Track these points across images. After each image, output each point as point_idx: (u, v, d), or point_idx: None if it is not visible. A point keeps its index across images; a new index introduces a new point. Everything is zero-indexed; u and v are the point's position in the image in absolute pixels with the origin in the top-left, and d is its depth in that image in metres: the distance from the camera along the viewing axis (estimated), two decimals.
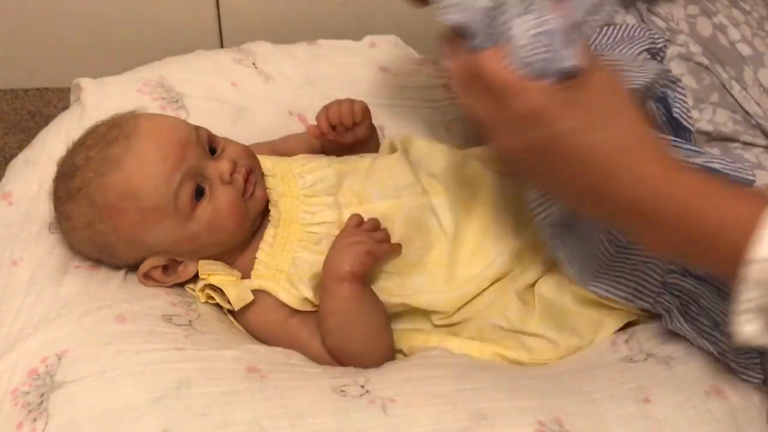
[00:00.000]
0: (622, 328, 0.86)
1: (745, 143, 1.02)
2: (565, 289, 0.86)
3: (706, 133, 1.03)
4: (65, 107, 1.07)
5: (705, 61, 1.04)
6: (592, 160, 0.64)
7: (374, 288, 0.84)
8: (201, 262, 0.86)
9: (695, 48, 1.04)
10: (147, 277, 0.85)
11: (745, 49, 1.03)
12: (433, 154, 0.94)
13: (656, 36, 0.93)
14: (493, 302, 0.86)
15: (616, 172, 0.64)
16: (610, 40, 0.93)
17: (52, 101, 1.43)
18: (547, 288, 0.86)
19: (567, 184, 0.67)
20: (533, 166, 0.67)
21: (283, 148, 0.96)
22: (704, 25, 1.04)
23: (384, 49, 1.14)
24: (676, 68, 1.03)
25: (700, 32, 1.04)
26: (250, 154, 0.88)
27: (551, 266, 0.88)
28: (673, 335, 0.84)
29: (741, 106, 1.03)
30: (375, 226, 0.85)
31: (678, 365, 0.80)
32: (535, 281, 0.87)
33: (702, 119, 1.02)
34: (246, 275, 0.86)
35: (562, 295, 0.86)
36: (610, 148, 0.64)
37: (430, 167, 0.93)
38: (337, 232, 0.84)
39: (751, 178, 0.76)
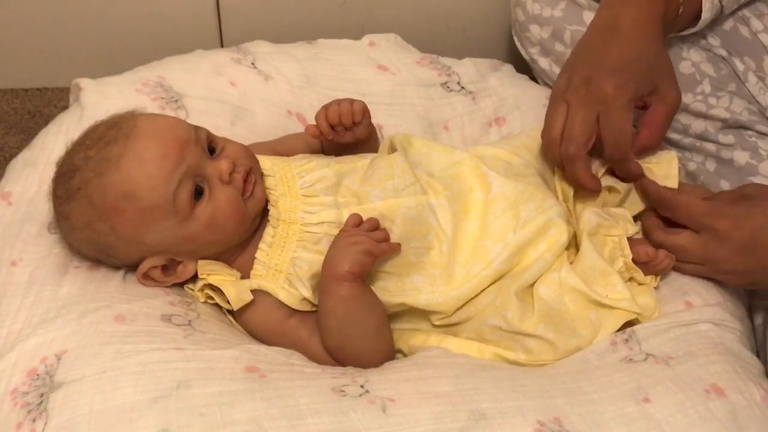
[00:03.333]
0: (622, 328, 0.86)
1: (760, 133, 1.02)
2: (564, 290, 0.86)
3: (723, 120, 1.03)
4: (65, 107, 1.07)
5: (723, 53, 1.05)
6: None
7: (373, 288, 0.84)
8: (200, 262, 0.86)
9: (714, 40, 1.05)
10: (146, 277, 0.85)
11: (767, 39, 1.03)
12: (433, 153, 0.94)
13: None
14: (492, 302, 0.85)
15: None
16: None
17: (52, 101, 1.43)
18: (546, 288, 0.86)
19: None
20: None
21: (282, 147, 0.96)
22: (725, 17, 1.05)
23: (383, 47, 1.14)
24: (695, 56, 1.04)
25: (721, 25, 1.05)
26: (249, 154, 0.88)
27: (550, 266, 0.88)
28: (673, 335, 0.84)
29: (755, 99, 1.03)
30: (374, 225, 0.85)
31: (677, 365, 0.80)
32: (535, 281, 0.87)
33: (719, 106, 1.03)
34: (245, 275, 0.86)
35: (561, 296, 0.86)
36: None
37: (430, 167, 0.93)
38: (336, 231, 0.84)
39: None
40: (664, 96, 0.93)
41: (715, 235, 0.86)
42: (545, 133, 0.93)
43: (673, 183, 0.95)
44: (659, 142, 0.96)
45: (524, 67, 1.19)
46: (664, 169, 0.97)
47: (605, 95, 0.89)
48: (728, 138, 1.03)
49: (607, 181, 0.95)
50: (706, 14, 0.99)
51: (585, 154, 0.90)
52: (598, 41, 0.94)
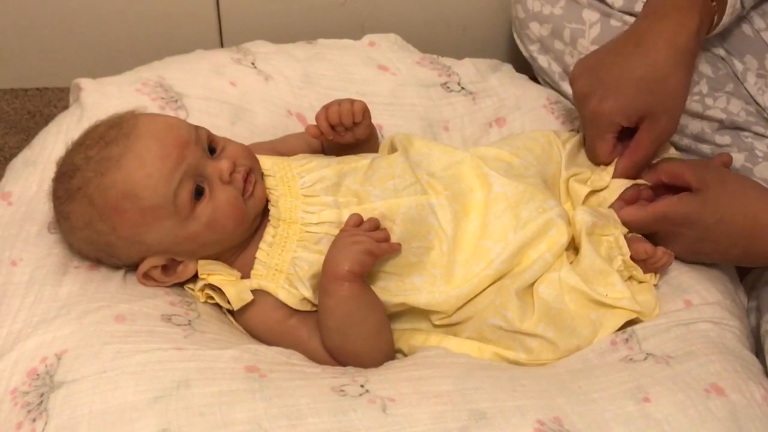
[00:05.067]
0: (622, 328, 0.86)
1: (756, 134, 1.02)
2: (564, 289, 0.86)
3: (719, 121, 1.03)
4: (65, 107, 1.07)
5: (722, 52, 1.05)
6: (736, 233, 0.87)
7: (374, 287, 0.84)
8: (200, 261, 0.86)
9: (713, 39, 1.05)
10: (146, 277, 0.85)
11: None
12: (433, 153, 0.94)
13: None
14: (492, 302, 0.85)
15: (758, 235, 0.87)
16: None
17: (52, 101, 1.43)
18: (546, 288, 0.86)
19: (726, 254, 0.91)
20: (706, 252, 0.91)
21: (282, 147, 0.96)
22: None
23: (383, 48, 1.14)
24: None
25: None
26: (249, 153, 0.88)
27: (550, 266, 0.88)
28: (672, 335, 0.84)
29: (753, 99, 1.03)
30: (374, 225, 0.85)
31: (677, 364, 0.80)
32: (535, 281, 0.87)
33: (715, 107, 1.03)
34: (245, 275, 0.86)
35: (561, 295, 0.86)
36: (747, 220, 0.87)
37: (430, 167, 0.93)
38: (336, 231, 0.84)
39: None
40: (655, 122, 0.92)
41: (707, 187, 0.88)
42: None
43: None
44: (640, 167, 0.95)
45: (524, 67, 1.19)
46: None
47: (597, 112, 0.92)
48: (725, 139, 1.03)
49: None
50: (726, 18, 0.98)
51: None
52: (620, 49, 0.93)
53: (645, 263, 0.90)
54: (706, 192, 0.88)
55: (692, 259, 0.93)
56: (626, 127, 0.94)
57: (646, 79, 0.90)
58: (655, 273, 0.91)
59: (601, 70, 0.93)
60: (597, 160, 0.97)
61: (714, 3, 0.94)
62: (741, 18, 1.05)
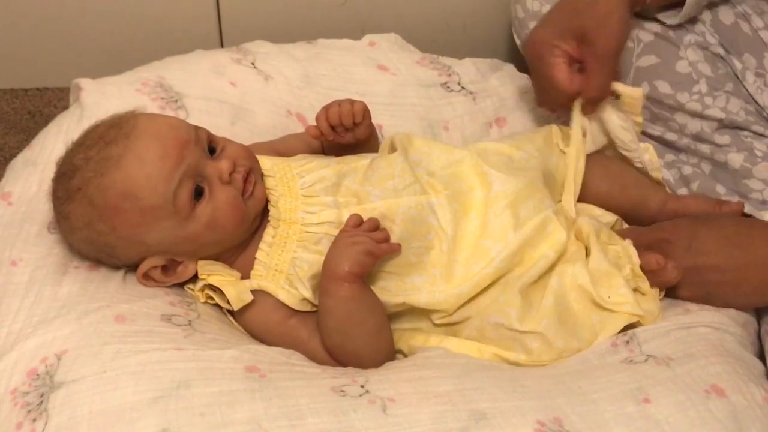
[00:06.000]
0: (622, 331, 0.86)
1: (756, 133, 1.02)
2: (571, 287, 0.86)
3: (718, 120, 1.03)
4: (65, 107, 1.07)
5: (721, 51, 1.05)
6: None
7: (374, 288, 0.84)
8: (200, 262, 0.86)
9: (712, 39, 1.05)
10: (146, 277, 0.85)
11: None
12: (433, 153, 0.94)
13: None
14: (495, 300, 0.86)
15: None
16: None
17: (52, 101, 1.43)
18: (558, 281, 0.86)
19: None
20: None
21: (282, 148, 0.96)
22: (726, 14, 1.05)
23: (383, 47, 1.14)
24: (693, 55, 1.04)
25: (722, 20, 1.05)
26: (249, 154, 0.88)
27: (553, 264, 0.87)
28: (673, 337, 0.84)
29: (753, 98, 1.03)
30: (374, 225, 0.85)
31: (678, 366, 0.80)
32: (538, 279, 0.87)
33: (715, 106, 1.03)
34: (245, 275, 0.86)
35: (567, 293, 0.86)
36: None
37: (430, 166, 0.93)
38: (336, 232, 0.84)
39: None
40: (593, 42, 0.93)
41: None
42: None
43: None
44: (601, 88, 0.96)
45: (525, 66, 1.19)
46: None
47: (535, 48, 0.97)
48: (724, 138, 1.03)
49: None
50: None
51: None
52: (553, 7, 0.99)
53: (654, 275, 0.90)
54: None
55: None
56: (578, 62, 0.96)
57: (576, 3, 0.94)
58: (661, 289, 0.91)
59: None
60: (561, 91, 0.96)
61: None
62: (739, 15, 1.05)
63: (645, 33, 1.06)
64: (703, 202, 0.99)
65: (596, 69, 0.94)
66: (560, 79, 0.96)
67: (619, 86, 0.96)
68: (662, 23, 1.05)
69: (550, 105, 1.03)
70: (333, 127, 0.90)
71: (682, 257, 0.89)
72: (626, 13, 0.94)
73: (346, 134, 0.92)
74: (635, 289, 0.89)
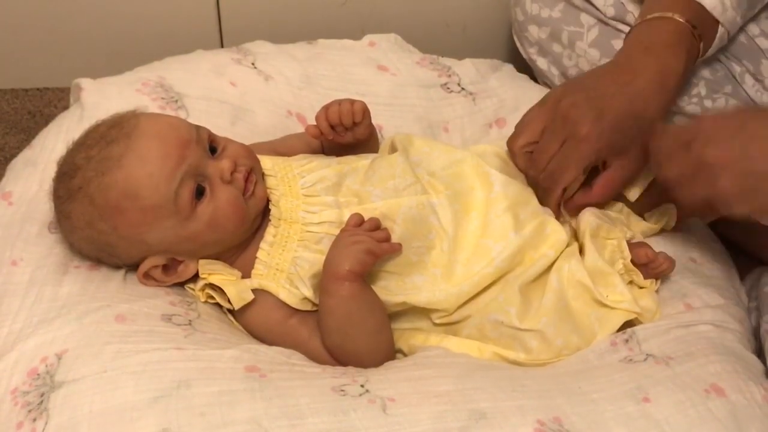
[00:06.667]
0: (622, 329, 0.86)
1: None
2: (569, 283, 0.86)
3: None
4: (65, 107, 1.07)
5: (719, 55, 1.04)
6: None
7: (374, 287, 0.84)
8: (201, 261, 0.86)
9: None
10: (147, 277, 0.85)
11: (764, 43, 1.03)
12: (433, 153, 0.94)
13: None
14: (494, 299, 0.86)
15: None
16: None
17: (52, 101, 1.43)
18: (555, 277, 0.86)
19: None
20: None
21: (282, 148, 0.96)
22: None
23: (383, 48, 1.14)
24: None
25: None
26: (250, 153, 0.88)
27: (552, 264, 0.88)
28: (673, 336, 0.84)
29: (753, 100, 1.03)
30: (375, 225, 0.85)
31: (677, 365, 0.80)
32: (538, 278, 0.87)
33: (714, 108, 1.03)
34: (246, 275, 0.86)
35: (566, 290, 0.86)
36: None
37: (430, 166, 0.93)
38: (337, 231, 0.84)
39: None
40: (629, 162, 0.90)
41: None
42: (512, 140, 0.93)
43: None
44: (605, 202, 0.93)
45: (525, 67, 1.19)
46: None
47: (576, 133, 0.88)
48: None
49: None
50: (711, 51, 0.97)
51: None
52: (609, 80, 0.90)
53: (646, 268, 0.90)
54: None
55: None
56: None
57: (630, 117, 0.88)
58: (656, 279, 0.91)
59: (585, 94, 0.89)
60: (554, 190, 0.91)
61: (700, 42, 0.93)
62: None
63: None
64: None
65: (616, 185, 0.89)
66: (567, 181, 0.89)
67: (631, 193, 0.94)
68: None
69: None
70: (333, 127, 0.91)
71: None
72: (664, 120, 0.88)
73: (345, 134, 0.92)
74: (631, 282, 0.90)
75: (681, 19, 0.91)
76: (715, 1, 0.92)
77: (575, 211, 0.93)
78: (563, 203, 0.93)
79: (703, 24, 0.93)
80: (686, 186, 0.80)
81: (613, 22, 1.06)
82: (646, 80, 0.89)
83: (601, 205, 0.94)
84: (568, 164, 0.89)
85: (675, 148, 0.80)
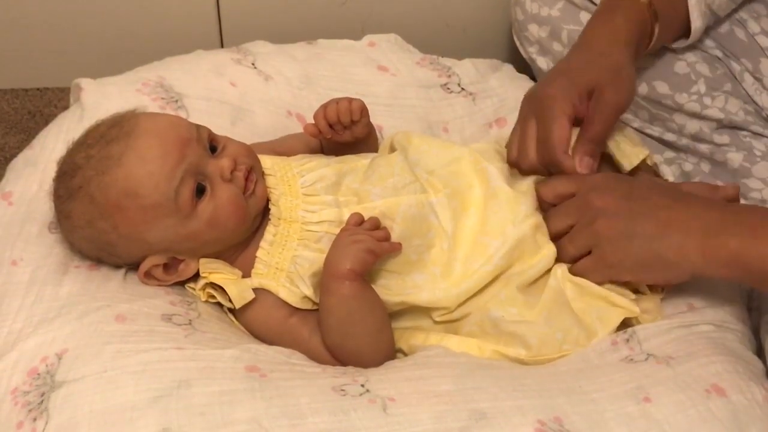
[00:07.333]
0: (623, 328, 0.86)
1: (755, 133, 1.03)
2: (567, 283, 0.86)
3: (717, 120, 1.03)
4: (65, 107, 1.07)
5: (719, 53, 1.05)
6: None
7: (374, 286, 0.84)
8: (202, 260, 0.86)
9: (709, 42, 1.05)
10: (148, 276, 0.85)
11: (764, 41, 1.03)
12: (432, 151, 0.94)
13: None
14: (494, 296, 0.86)
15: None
16: None
17: (52, 101, 1.43)
18: (553, 279, 0.86)
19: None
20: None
21: (282, 147, 0.96)
22: (721, 22, 1.05)
23: (383, 48, 1.14)
24: (691, 56, 1.04)
25: (716, 28, 1.05)
26: (250, 152, 0.88)
27: (551, 262, 0.88)
28: (674, 336, 0.84)
29: (752, 99, 1.03)
30: (375, 224, 0.85)
31: (678, 365, 0.80)
32: (539, 277, 0.87)
33: (713, 107, 1.03)
34: (246, 274, 0.86)
35: (564, 289, 0.86)
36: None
37: (429, 164, 0.93)
38: (337, 230, 0.84)
39: None
40: (601, 95, 0.88)
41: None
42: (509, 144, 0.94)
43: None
44: (598, 142, 0.90)
45: (525, 67, 1.19)
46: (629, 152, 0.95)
47: (543, 101, 0.89)
48: (723, 138, 1.04)
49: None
50: (697, 22, 0.98)
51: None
52: (568, 55, 0.95)
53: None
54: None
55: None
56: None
57: (581, 59, 0.92)
58: (662, 289, 0.90)
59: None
60: (551, 149, 0.88)
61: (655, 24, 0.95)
62: (734, 22, 1.05)
63: None
64: (697, 186, 0.95)
65: (599, 121, 0.89)
66: (560, 137, 0.88)
67: (621, 144, 0.94)
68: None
69: (526, 163, 0.91)
70: (331, 125, 0.91)
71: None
72: (633, 68, 0.90)
73: (344, 132, 0.92)
74: (637, 291, 0.89)
75: None
76: None
77: (589, 159, 0.90)
78: (572, 154, 0.90)
79: None
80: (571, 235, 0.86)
81: None
82: (597, 41, 0.93)
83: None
84: (546, 128, 0.89)
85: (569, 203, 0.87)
